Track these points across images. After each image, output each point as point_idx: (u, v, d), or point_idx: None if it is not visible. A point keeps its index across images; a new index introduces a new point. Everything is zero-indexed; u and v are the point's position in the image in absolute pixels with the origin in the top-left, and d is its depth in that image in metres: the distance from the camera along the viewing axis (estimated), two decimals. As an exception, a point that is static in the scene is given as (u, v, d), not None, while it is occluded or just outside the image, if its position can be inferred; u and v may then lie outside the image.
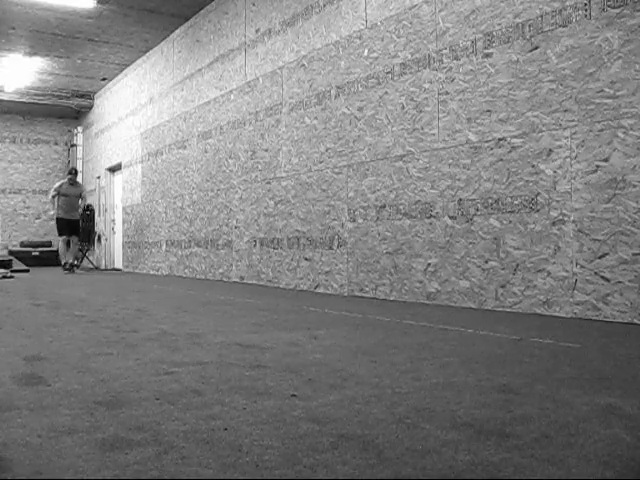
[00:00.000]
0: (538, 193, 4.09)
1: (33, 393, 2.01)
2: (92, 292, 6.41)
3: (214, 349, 2.83)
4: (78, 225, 10.73)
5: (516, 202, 4.23)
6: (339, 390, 2.03)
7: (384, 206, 5.34)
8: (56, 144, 15.19)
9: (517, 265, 4.20)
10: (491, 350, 2.77)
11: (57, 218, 10.49)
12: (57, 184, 10.60)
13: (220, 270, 8.13)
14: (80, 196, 10.69)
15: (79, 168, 14.67)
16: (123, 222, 11.84)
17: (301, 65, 6.51)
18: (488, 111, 4.45)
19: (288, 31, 6.79)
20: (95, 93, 13.69)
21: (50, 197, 10.59)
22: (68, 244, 10.64)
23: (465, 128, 4.62)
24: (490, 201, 4.41)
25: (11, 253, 13.52)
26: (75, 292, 6.42)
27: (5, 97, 12.98)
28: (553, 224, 3.99)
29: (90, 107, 13.99)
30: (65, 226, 10.45)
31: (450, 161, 4.73)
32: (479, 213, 4.49)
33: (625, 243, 3.61)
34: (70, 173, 10.75)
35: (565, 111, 3.95)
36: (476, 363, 2.46)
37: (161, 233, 10.01)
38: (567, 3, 3.95)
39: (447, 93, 4.78)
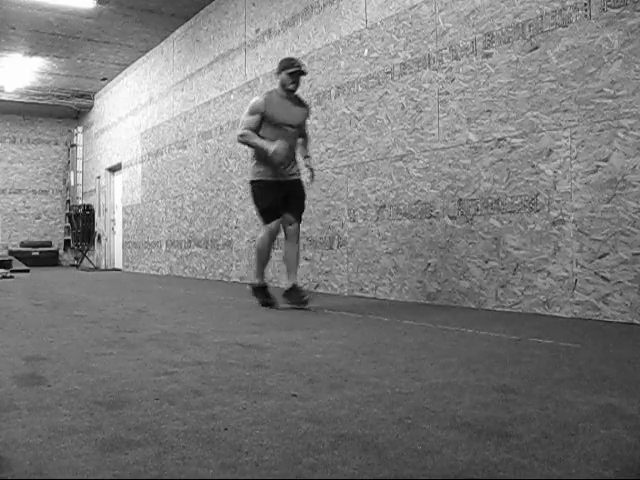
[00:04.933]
0: (538, 193, 4.09)
1: (33, 393, 2.01)
2: (92, 292, 6.41)
3: (214, 349, 2.83)
4: (303, 193, 4.74)
5: (516, 202, 4.23)
6: (339, 390, 2.03)
7: (384, 206, 5.34)
8: (56, 144, 15.19)
9: (517, 265, 4.20)
10: (491, 350, 2.77)
11: (259, 181, 4.60)
12: (258, 100, 4.54)
13: (220, 270, 8.13)
14: (304, 125, 4.81)
15: (79, 168, 14.67)
16: (123, 222, 11.84)
17: (301, 65, 6.51)
18: (488, 111, 4.45)
19: (288, 31, 6.79)
20: (95, 93, 13.70)
21: (244, 131, 4.52)
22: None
23: (465, 128, 4.62)
24: (490, 201, 4.41)
25: (11, 253, 13.53)
26: (75, 292, 6.42)
27: (5, 97, 12.97)
28: (553, 224, 3.99)
29: (90, 107, 13.99)
30: (281, 198, 4.58)
31: (450, 161, 4.73)
32: (479, 213, 4.49)
33: (625, 243, 3.60)
34: (290, 66, 4.55)
35: (565, 111, 3.95)
36: (476, 363, 2.46)
37: (161, 233, 10.01)
38: (567, 3, 3.95)
39: (447, 93, 4.78)
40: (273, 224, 4.58)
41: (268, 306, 4.60)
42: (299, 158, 4.79)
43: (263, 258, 4.71)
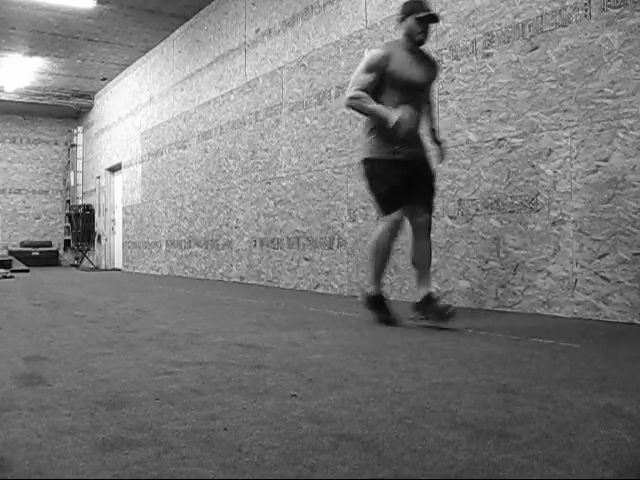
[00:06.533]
0: (538, 193, 4.09)
1: (33, 393, 2.01)
2: (92, 292, 6.41)
3: (214, 349, 2.83)
4: (432, 174, 3.73)
5: (516, 202, 4.23)
6: (339, 390, 2.03)
7: (384, 206, 5.33)
8: (56, 144, 15.19)
9: (517, 265, 4.20)
10: (491, 350, 2.77)
11: (374, 160, 3.59)
12: (377, 53, 3.57)
13: (220, 270, 8.13)
14: (430, 88, 3.86)
15: (79, 168, 14.66)
16: (123, 222, 11.84)
17: (301, 65, 6.51)
18: (488, 111, 4.44)
19: (288, 31, 6.79)
20: (95, 93, 13.69)
21: (357, 92, 3.52)
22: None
23: (465, 128, 4.62)
24: (490, 201, 4.41)
25: (11, 253, 13.53)
26: (75, 292, 6.42)
27: (5, 97, 12.97)
28: (553, 224, 3.99)
29: (90, 107, 13.99)
30: (403, 182, 3.53)
31: (450, 161, 4.73)
32: (479, 213, 4.48)
33: (625, 243, 3.60)
34: (418, 9, 3.53)
35: (565, 111, 3.95)
36: (476, 363, 2.46)
37: (161, 233, 10.01)
38: (567, 3, 3.95)
39: (447, 93, 4.78)
40: (395, 214, 3.50)
41: (387, 323, 3.58)
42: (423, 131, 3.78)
43: (383, 258, 3.58)
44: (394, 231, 3.54)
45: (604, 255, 3.71)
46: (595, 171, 3.77)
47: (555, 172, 3.99)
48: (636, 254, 3.55)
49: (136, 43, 10.34)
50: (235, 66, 7.90)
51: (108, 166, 12.84)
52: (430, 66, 3.74)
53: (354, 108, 3.59)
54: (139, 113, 11.15)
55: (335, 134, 5.95)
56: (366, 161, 3.63)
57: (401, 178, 3.52)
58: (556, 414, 1.73)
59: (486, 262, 4.42)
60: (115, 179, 12.93)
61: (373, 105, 3.48)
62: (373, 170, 3.60)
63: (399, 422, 1.66)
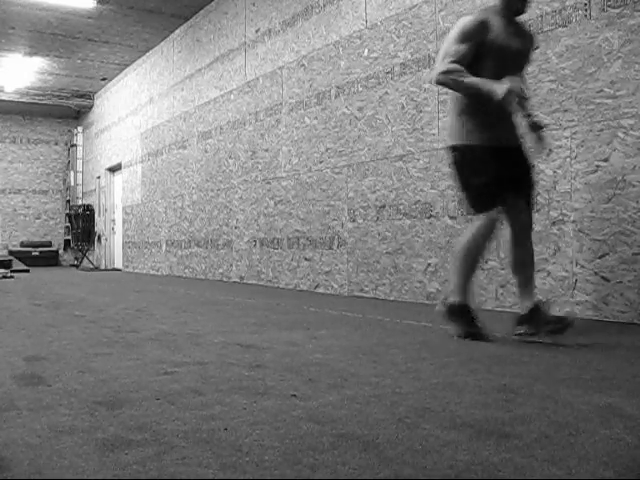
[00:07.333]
0: (538, 193, 4.09)
1: (33, 393, 2.01)
2: (92, 292, 6.41)
3: (214, 349, 2.83)
4: (530, 163, 3.20)
5: (516, 202, 4.22)
6: (339, 390, 2.03)
7: (384, 206, 5.33)
8: (56, 144, 15.19)
9: (517, 265, 4.19)
10: (491, 350, 2.77)
11: (473, 148, 3.03)
12: (470, 20, 2.99)
13: (220, 270, 8.13)
14: (528, 63, 3.31)
15: (79, 168, 14.66)
16: (123, 222, 11.84)
17: (301, 65, 6.51)
18: (488, 111, 4.44)
19: (288, 31, 6.79)
20: (95, 93, 13.69)
21: (451, 65, 2.93)
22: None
23: (465, 128, 4.61)
24: (490, 201, 4.40)
25: (11, 253, 13.52)
26: (75, 292, 6.42)
27: (5, 97, 12.97)
28: (553, 224, 3.99)
29: (90, 107, 13.99)
30: (506, 174, 3.00)
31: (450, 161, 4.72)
32: (479, 213, 4.48)
33: (625, 243, 3.60)
34: None
35: (565, 111, 3.95)
36: (476, 363, 2.46)
37: (161, 233, 10.01)
38: (567, 3, 3.95)
39: (447, 93, 4.76)
40: (493, 212, 2.97)
41: (474, 338, 2.99)
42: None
43: (473, 264, 3.05)
44: (490, 232, 3.01)
45: (604, 255, 3.71)
46: (595, 171, 3.77)
47: (555, 172, 3.99)
48: (636, 254, 3.55)
49: (136, 43, 10.34)
50: (235, 66, 7.90)
51: (108, 166, 12.83)
52: (530, 38, 3.20)
53: (445, 84, 3.03)
54: (139, 113, 11.15)
55: (335, 134, 5.95)
56: (457, 148, 3.08)
57: (501, 169, 3.00)
58: (556, 414, 1.73)
59: (486, 262, 4.42)
60: (115, 179, 12.93)
61: (471, 79, 2.91)
62: (466, 159, 3.05)
63: (399, 422, 1.66)
